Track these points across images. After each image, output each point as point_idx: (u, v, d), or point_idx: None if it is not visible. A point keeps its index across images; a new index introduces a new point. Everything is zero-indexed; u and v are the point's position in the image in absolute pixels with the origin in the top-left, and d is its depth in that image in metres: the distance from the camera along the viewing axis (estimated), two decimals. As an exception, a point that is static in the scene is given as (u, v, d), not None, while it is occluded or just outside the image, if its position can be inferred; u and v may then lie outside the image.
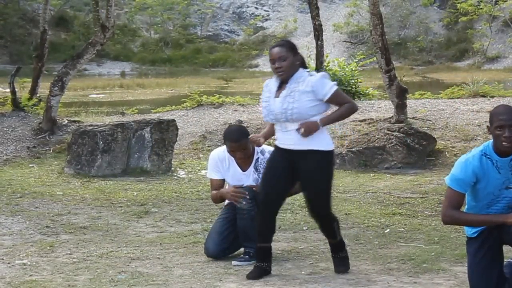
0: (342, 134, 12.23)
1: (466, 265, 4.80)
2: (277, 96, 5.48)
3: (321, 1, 41.77)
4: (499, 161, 4.49)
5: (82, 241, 6.86)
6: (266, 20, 54.32)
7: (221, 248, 6.15)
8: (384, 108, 14.44)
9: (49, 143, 12.65)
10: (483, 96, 15.69)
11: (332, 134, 12.07)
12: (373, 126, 12.40)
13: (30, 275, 5.73)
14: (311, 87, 5.39)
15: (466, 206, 4.71)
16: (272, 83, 5.59)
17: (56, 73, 14.76)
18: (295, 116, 5.38)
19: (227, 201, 6.32)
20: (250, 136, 5.89)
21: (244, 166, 6.18)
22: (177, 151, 11.91)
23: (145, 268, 5.92)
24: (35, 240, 6.90)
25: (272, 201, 5.57)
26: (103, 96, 28.16)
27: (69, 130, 12.78)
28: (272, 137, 5.75)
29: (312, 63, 16.39)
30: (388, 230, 7.21)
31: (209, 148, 12.13)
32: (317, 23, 15.45)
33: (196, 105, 15.68)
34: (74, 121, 13.53)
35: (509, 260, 4.77)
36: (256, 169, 6.10)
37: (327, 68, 16.12)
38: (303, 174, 5.45)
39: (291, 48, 5.51)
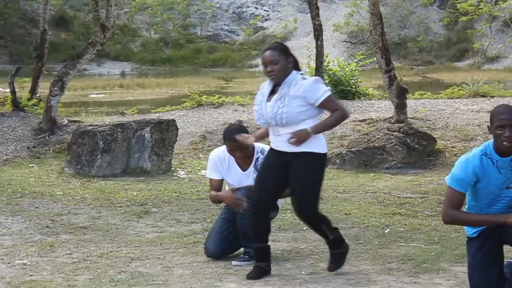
0: (342, 134, 12.24)
1: (466, 265, 4.80)
2: (268, 100, 5.49)
3: (321, 1, 41.78)
4: (499, 161, 4.48)
5: (82, 241, 6.86)
6: (266, 20, 54.31)
7: (221, 248, 6.15)
8: (384, 108, 14.44)
9: (49, 143, 12.65)
10: (483, 96, 15.69)
11: (332, 134, 12.08)
12: (373, 126, 12.41)
13: (30, 275, 5.73)
14: (302, 92, 5.39)
15: (466, 206, 4.71)
16: (266, 86, 5.60)
17: (56, 73, 14.76)
18: (285, 120, 5.39)
19: (227, 201, 6.32)
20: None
21: (244, 166, 6.18)
22: (177, 151, 11.91)
23: (145, 268, 5.92)
24: (35, 240, 6.90)
25: (264, 202, 5.59)
26: (103, 96, 28.16)
27: (69, 130, 12.78)
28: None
29: (312, 63, 16.40)
30: (388, 230, 7.21)
31: (209, 148, 12.13)
32: (317, 23, 15.44)
33: (196, 105, 15.68)
34: (74, 121, 13.53)
35: (509, 260, 4.77)
36: (256, 168, 6.09)
37: (327, 68, 16.12)
38: (293, 174, 5.44)
39: (283, 51, 5.50)
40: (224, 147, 6.22)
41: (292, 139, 5.36)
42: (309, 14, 16.34)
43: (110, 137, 10.73)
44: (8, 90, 15.07)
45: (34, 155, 12.13)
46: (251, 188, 5.99)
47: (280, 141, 5.48)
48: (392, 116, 12.65)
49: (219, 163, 6.23)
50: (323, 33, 15.75)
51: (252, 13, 54.87)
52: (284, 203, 6.48)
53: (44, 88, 15.13)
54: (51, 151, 12.32)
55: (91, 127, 10.94)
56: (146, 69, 47.30)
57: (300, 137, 5.36)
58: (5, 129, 13.11)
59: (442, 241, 6.68)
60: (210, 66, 48.50)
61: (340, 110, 5.47)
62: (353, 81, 16.52)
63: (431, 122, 12.95)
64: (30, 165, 11.52)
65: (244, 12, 55.20)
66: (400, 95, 12.48)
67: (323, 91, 5.41)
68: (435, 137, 11.89)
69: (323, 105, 5.42)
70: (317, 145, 5.45)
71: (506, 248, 4.67)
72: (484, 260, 4.60)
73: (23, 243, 6.80)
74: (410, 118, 12.77)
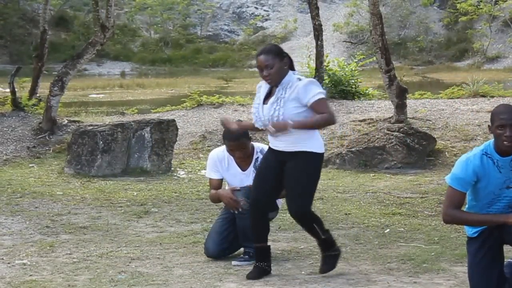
0: (342, 134, 12.24)
1: (466, 265, 4.80)
2: (265, 102, 5.50)
3: (321, 1, 41.78)
4: (500, 161, 4.48)
5: (82, 241, 6.86)
6: (266, 20, 54.32)
7: (221, 248, 6.15)
8: (384, 108, 14.43)
9: (49, 143, 12.65)
10: (483, 96, 15.68)
11: (332, 134, 12.09)
12: (373, 126, 12.41)
13: (30, 275, 5.73)
14: (296, 93, 5.38)
15: (466, 205, 4.71)
16: (263, 87, 5.60)
17: (56, 73, 14.76)
18: None
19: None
20: (222, 117, 5.86)
21: (243, 166, 6.18)
22: (177, 151, 11.91)
23: (145, 268, 5.92)
24: (35, 240, 6.90)
25: (262, 202, 5.59)
26: (103, 96, 28.16)
27: (69, 130, 12.79)
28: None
29: (312, 63, 16.39)
30: (388, 230, 7.21)
31: (209, 148, 12.13)
32: (317, 23, 15.44)
33: (196, 105, 15.68)
34: (74, 121, 13.53)
35: (509, 260, 4.77)
36: (255, 168, 6.09)
37: (327, 68, 16.11)
38: (289, 171, 5.43)
39: (277, 53, 5.48)
40: (224, 147, 6.22)
41: (271, 128, 5.34)
42: (309, 14, 16.33)
43: (110, 137, 10.73)
44: (8, 90, 15.07)
45: (34, 155, 12.13)
46: (250, 188, 6.00)
47: (279, 142, 5.48)
48: (392, 116, 12.66)
49: (218, 163, 6.23)
50: (323, 33, 15.74)
51: (252, 13, 54.87)
52: (284, 203, 6.48)
53: (44, 88, 15.13)
54: (51, 151, 12.32)
55: (91, 127, 10.94)
56: (146, 69, 47.30)
57: (279, 126, 5.34)
58: (5, 129, 13.12)
59: (442, 241, 6.67)
60: (210, 66, 48.50)
61: (327, 114, 5.39)
62: (353, 81, 16.50)
63: (431, 122, 12.95)
64: (30, 165, 11.52)
65: (244, 12, 55.20)
66: (400, 95, 12.48)
67: (315, 93, 5.38)
68: (435, 137, 11.89)
69: (313, 107, 5.36)
70: (314, 145, 5.45)
71: (506, 248, 4.67)
72: (484, 260, 4.60)
73: (23, 243, 6.80)
74: (410, 118, 12.77)
